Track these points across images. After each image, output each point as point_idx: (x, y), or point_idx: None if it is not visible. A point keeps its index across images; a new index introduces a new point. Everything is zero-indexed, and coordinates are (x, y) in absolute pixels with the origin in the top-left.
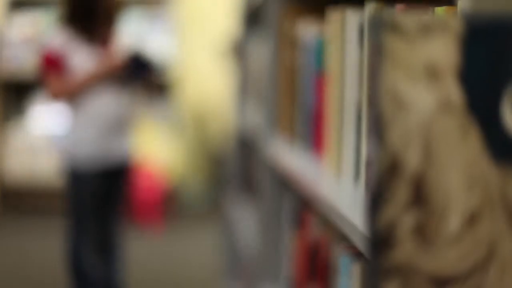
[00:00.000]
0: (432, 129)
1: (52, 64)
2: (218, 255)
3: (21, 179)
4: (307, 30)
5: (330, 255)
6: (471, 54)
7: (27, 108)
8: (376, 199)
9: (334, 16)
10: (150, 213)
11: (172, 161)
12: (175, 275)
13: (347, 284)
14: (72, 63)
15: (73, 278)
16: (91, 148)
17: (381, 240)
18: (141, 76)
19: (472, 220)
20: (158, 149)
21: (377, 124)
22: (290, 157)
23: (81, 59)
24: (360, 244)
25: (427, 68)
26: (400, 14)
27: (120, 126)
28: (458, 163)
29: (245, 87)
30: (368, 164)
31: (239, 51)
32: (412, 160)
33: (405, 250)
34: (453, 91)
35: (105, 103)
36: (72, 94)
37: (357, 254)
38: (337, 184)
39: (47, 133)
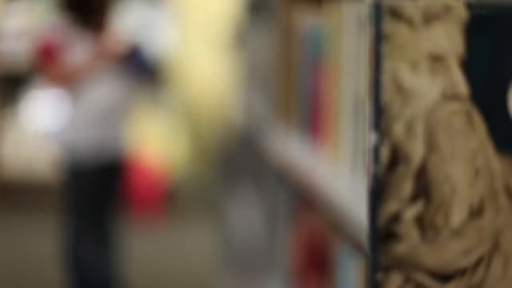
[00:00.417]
0: (435, 119)
1: (49, 54)
2: (217, 250)
3: (18, 173)
4: (306, 19)
5: (330, 248)
6: (476, 42)
7: (24, 101)
8: (379, 191)
9: (332, 4)
10: (150, 209)
11: (172, 155)
12: (175, 270)
13: (347, 278)
14: (68, 52)
15: (70, 274)
16: (89, 141)
17: (383, 233)
18: (139, 72)
19: (476, 212)
20: (158, 143)
21: (379, 114)
22: (290, 148)
23: (78, 47)
24: (361, 236)
25: (431, 57)
26: (403, 2)
27: (117, 118)
28: (462, 154)
29: (246, 77)
30: (371, 155)
31: (242, 40)
32: (415, 151)
33: (408, 243)
34: (457, 81)
35: (103, 96)
36: (69, 81)
37: (358, 247)
38: (336, 174)
39: (44, 126)
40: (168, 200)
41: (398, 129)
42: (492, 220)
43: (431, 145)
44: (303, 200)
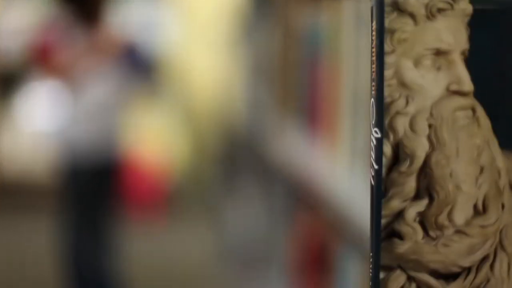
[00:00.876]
0: (440, 115)
1: (45, 50)
2: (217, 249)
3: (16, 173)
4: (306, 16)
5: (330, 247)
6: (480, 37)
7: (20, 100)
8: (382, 189)
9: (332, 1)
10: (150, 208)
11: (172, 154)
12: (175, 269)
13: (347, 276)
14: (65, 45)
15: (69, 274)
16: (86, 139)
17: (386, 232)
18: (136, 70)
19: (480, 210)
20: (158, 142)
21: (383, 110)
22: (290, 146)
23: (74, 41)
24: (363, 234)
25: (435, 52)
26: None
27: (115, 117)
28: (466, 151)
29: (247, 75)
30: (374, 152)
31: (242, 38)
32: (419, 147)
33: (411, 242)
34: (462, 76)
35: (100, 95)
36: (66, 73)
37: (359, 245)
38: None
39: (41, 125)
40: (168, 199)
41: (401, 125)
42: (497, 218)
43: (435, 142)
44: (302, 198)
